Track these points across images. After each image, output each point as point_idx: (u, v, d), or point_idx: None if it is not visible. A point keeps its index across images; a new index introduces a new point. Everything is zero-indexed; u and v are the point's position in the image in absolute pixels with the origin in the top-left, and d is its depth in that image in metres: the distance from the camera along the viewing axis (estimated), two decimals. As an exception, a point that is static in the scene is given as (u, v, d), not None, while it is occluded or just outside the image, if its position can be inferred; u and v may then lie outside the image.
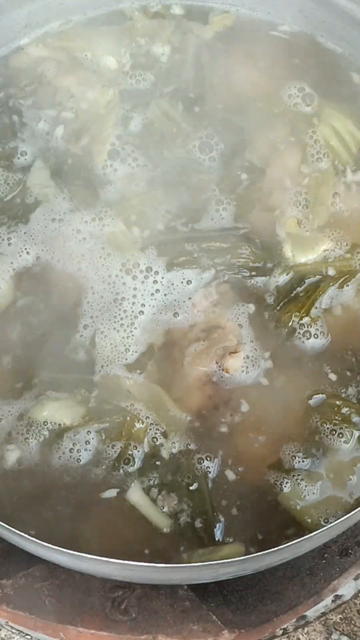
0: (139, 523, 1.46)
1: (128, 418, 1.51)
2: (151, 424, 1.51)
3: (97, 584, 1.54)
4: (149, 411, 1.52)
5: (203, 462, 1.49)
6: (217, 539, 1.45)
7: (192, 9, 1.94)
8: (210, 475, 1.49)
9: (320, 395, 1.55)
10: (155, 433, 1.51)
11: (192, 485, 1.48)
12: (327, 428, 1.52)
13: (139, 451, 1.50)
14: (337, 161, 1.74)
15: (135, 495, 1.47)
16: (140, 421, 1.51)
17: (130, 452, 1.49)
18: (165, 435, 1.50)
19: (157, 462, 1.49)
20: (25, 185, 1.72)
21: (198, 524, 1.46)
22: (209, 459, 1.50)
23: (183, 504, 1.47)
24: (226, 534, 1.45)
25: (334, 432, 1.52)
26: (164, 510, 1.46)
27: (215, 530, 1.45)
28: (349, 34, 1.85)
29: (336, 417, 1.52)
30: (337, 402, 1.54)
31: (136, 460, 1.49)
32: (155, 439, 1.50)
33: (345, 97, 1.81)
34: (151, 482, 1.48)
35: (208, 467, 1.49)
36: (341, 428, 1.52)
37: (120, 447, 1.50)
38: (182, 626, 1.51)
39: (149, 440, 1.50)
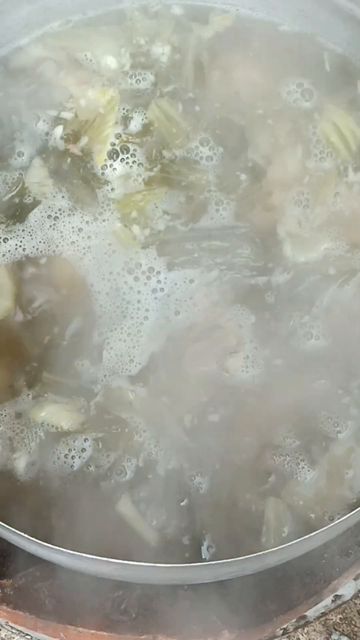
0: (127, 533, 1.46)
1: (127, 430, 1.51)
2: (150, 437, 1.51)
3: (97, 584, 1.54)
4: (149, 426, 1.52)
5: (194, 478, 1.49)
6: (203, 557, 1.44)
7: (192, 9, 1.93)
8: (201, 491, 1.48)
9: (323, 381, 1.55)
10: (152, 448, 1.51)
11: (182, 501, 1.48)
12: (324, 415, 1.52)
13: (132, 463, 1.49)
14: (340, 160, 1.74)
15: (125, 506, 1.47)
16: (139, 434, 1.51)
17: (123, 464, 1.49)
18: (162, 451, 1.50)
19: (149, 476, 1.49)
20: (23, 184, 1.72)
21: (185, 540, 1.46)
22: (200, 475, 1.49)
23: (172, 520, 1.47)
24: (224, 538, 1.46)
25: (329, 419, 1.52)
26: (152, 524, 1.46)
27: (202, 548, 1.45)
28: (349, 34, 1.85)
29: (335, 406, 1.52)
30: (339, 391, 1.54)
31: (128, 472, 1.49)
32: (150, 454, 1.50)
33: (345, 96, 1.81)
34: (141, 494, 1.48)
35: (200, 483, 1.49)
36: (337, 417, 1.52)
37: (115, 457, 1.50)
38: (182, 626, 1.51)
39: (144, 454, 1.50)
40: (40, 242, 1.66)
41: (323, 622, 1.57)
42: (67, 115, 1.79)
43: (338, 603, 1.59)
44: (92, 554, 1.32)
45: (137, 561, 1.35)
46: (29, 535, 1.34)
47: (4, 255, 1.65)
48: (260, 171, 1.73)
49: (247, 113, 1.79)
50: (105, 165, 1.73)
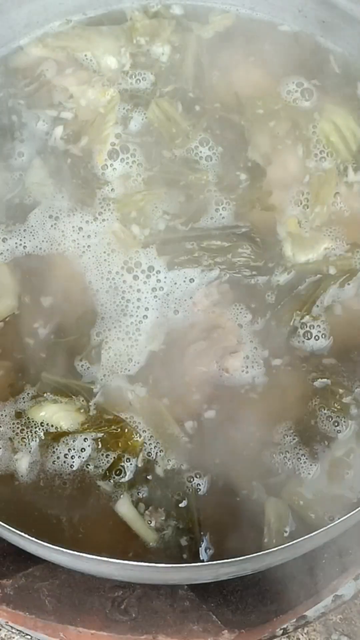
0: (126, 534, 1.45)
1: (126, 430, 1.51)
2: (149, 438, 1.51)
3: (97, 584, 1.53)
4: (148, 426, 1.51)
5: (193, 479, 1.48)
6: (201, 559, 1.44)
7: (192, 9, 1.94)
8: (200, 492, 1.48)
9: (324, 379, 1.55)
10: (151, 448, 1.50)
11: (181, 502, 1.47)
12: (324, 414, 1.52)
13: (131, 464, 1.49)
14: (339, 160, 1.74)
15: (124, 507, 1.46)
16: (138, 434, 1.51)
17: (122, 464, 1.49)
18: (161, 451, 1.50)
19: (148, 477, 1.49)
20: (24, 185, 1.72)
21: (184, 541, 1.45)
22: (198, 476, 1.48)
23: (171, 520, 1.46)
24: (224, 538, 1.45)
25: (330, 419, 1.52)
26: (151, 524, 1.46)
27: (200, 549, 1.44)
28: (349, 34, 1.85)
29: (335, 405, 1.52)
30: (340, 390, 1.54)
31: (127, 472, 1.49)
32: (149, 454, 1.50)
33: (345, 96, 1.81)
34: (140, 495, 1.48)
35: (199, 484, 1.48)
36: (338, 417, 1.52)
37: (114, 457, 1.49)
38: (182, 626, 1.51)
39: (143, 454, 1.50)
40: (42, 241, 1.66)
41: (323, 622, 1.57)
42: (67, 115, 1.79)
43: (338, 603, 1.59)
44: (92, 554, 1.32)
45: (137, 561, 1.35)
46: (29, 535, 1.34)
47: (2, 254, 1.65)
48: (260, 171, 1.73)
49: (247, 113, 1.79)
50: (106, 165, 1.73)
